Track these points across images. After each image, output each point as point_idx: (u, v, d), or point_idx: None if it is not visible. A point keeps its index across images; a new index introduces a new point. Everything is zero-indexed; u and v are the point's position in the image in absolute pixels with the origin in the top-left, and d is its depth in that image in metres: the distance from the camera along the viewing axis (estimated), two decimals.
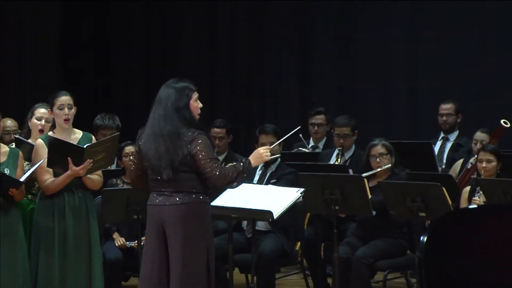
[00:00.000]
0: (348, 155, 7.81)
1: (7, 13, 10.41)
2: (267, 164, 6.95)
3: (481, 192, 6.38)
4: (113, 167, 7.26)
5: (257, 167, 6.97)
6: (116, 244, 6.88)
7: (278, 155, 6.85)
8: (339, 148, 7.77)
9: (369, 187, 6.40)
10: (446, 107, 8.40)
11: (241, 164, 5.17)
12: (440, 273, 3.29)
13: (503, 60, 9.55)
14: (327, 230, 6.93)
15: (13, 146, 6.22)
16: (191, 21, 11.31)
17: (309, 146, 8.49)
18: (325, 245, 7.53)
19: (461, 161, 7.68)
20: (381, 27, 10.28)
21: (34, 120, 6.28)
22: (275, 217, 5.78)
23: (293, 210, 6.20)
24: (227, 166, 5.20)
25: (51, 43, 10.94)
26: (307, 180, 6.44)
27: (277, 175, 6.92)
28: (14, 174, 5.79)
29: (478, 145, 7.34)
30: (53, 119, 5.99)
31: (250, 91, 11.12)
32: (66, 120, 5.90)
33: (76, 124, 6.04)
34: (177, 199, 5.08)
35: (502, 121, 7.63)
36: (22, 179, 5.73)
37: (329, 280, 7.24)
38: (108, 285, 6.15)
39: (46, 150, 5.81)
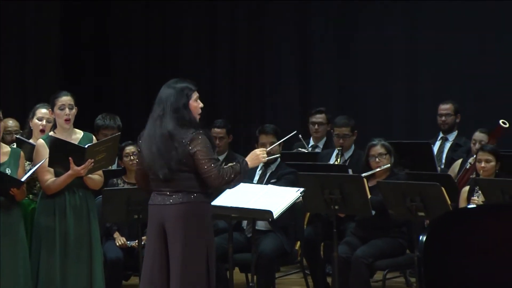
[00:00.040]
0: (347, 155, 7.82)
1: (8, 14, 10.41)
2: (267, 164, 6.96)
3: (480, 192, 6.39)
4: (114, 167, 7.28)
5: (257, 167, 6.98)
6: (117, 244, 6.89)
7: (278, 155, 6.87)
8: (338, 148, 7.78)
9: (369, 187, 6.41)
10: (445, 107, 8.41)
11: (238, 165, 5.20)
12: (439, 272, 3.28)
13: (502, 61, 9.54)
14: (327, 230, 6.94)
15: (15, 146, 6.22)
16: (191, 21, 11.31)
17: (309, 145, 8.49)
18: (325, 245, 7.53)
19: (460, 161, 7.69)
20: (381, 27, 10.28)
21: (35, 120, 6.29)
22: (275, 217, 5.77)
23: (293, 209, 6.20)
24: (225, 166, 5.21)
25: (51, 43, 10.93)
26: (307, 180, 6.45)
27: (277, 175, 6.92)
28: (15, 174, 5.80)
29: (477, 145, 7.35)
30: (54, 119, 5.99)
31: (250, 91, 11.12)
32: (67, 120, 5.92)
33: (77, 124, 6.05)
34: (178, 198, 5.09)
35: (500, 121, 7.63)
36: (23, 179, 5.74)
37: (329, 280, 7.24)
38: (108, 285, 6.16)
39: (47, 150, 5.82)
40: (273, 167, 6.99)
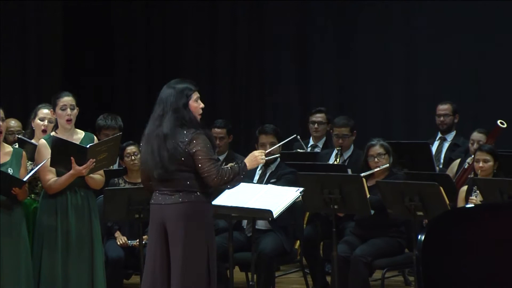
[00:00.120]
0: (347, 155, 7.83)
1: (9, 14, 10.42)
2: (266, 164, 6.96)
3: (478, 191, 6.40)
4: (115, 166, 7.29)
5: (257, 167, 7.01)
6: (118, 243, 6.91)
7: (277, 155, 6.90)
8: (338, 148, 7.79)
9: (368, 187, 6.42)
10: (444, 108, 8.42)
11: (237, 166, 5.22)
12: (437, 271, 3.28)
13: (500, 61, 9.53)
14: (326, 229, 6.95)
15: (16, 146, 6.23)
16: (191, 21, 11.30)
17: (309, 145, 8.50)
18: (324, 244, 7.54)
19: (458, 161, 7.69)
20: (380, 28, 10.27)
21: (37, 121, 6.30)
22: (274, 216, 5.77)
23: (292, 209, 6.20)
24: (224, 167, 5.24)
25: (54, 44, 10.92)
26: (307, 179, 6.47)
27: (277, 175, 6.93)
28: (17, 174, 5.81)
29: (475, 145, 7.36)
30: (56, 119, 6.01)
31: (250, 91, 11.12)
32: (69, 120, 5.93)
33: (79, 125, 6.07)
34: (178, 198, 5.12)
35: (498, 121, 7.63)
36: (25, 179, 5.76)
37: (328, 278, 7.26)
38: (110, 283, 6.17)
39: (49, 150, 5.83)
40: (273, 167, 7.00)
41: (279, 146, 6.88)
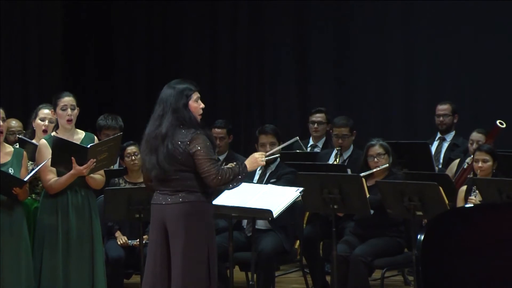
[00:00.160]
0: (346, 155, 7.84)
1: (10, 15, 10.43)
2: (267, 164, 6.95)
3: (477, 191, 6.42)
4: (116, 166, 7.30)
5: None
6: (118, 243, 6.93)
7: (277, 155, 6.91)
8: (337, 148, 7.80)
9: (367, 187, 6.43)
10: (443, 108, 8.43)
11: (238, 166, 5.23)
12: (437, 270, 3.30)
13: (499, 61, 9.53)
14: (326, 229, 6.96)
15: (17, 146, 6.25)
16: (191, 22, 11.30)
17: (309, 145, 8.51)
18: (324, 244, 7.54)
19: (457, 161, 7.70)
20: (380, 29, 10.25)
21: (38, 121, 6.32)
22: (274, 216, 5.78)
23: (292, 209, 6.19)
24: (224, 167, 5.26)
25: (54, 44, 10.93)
26: (306, 179, 6.48)
27: (277, 175, 6.93)
28: (18, 174, 5.83)
29: (474, 145, 7.37)
30: (57, 119, 6.02)
31: (250, 92, 11.12)
32: (69, 120, 5.95)
33: (79, 125, 6.09)
34: (178, 198, 5.13)
35: (497, 121, 7.65)
36: (25, 179, 5.77)
37: (328, 278, 7.26)
38: (110, 283, 6.18)
39: (50, 150, 5.84)
40: (272, 167, 7.00)
41: (279, 145, 6.91)
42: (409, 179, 6.63)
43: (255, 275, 6.29)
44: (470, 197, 6.51)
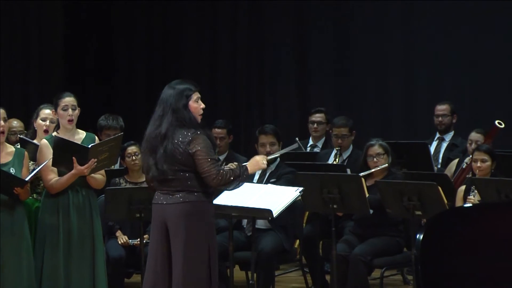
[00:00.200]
0: (346, 155, 7.86)
1: (11, 15, 10.44)
2: (266, 164, 7.02)
3: (476, 191, 6.43)
4: (117, 166, 7.30)
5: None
6: (119, 242, 6.94)
7: (277, 155, 6.93)
8: (337, 148, 7.82)
9: (367, 186, 6.44)
10: (442, 108, 8.45)
11: (239, 168, 5.24)
12: (435, 270, 3.30)
13: (498, 62, 9.53)
14: (325, 228, 6.98)
15: (18, 146, 6.26)
16: (191, 22, 11.30)
17: (308, 145, 8.52)
18: (323, 243, 7.55)
19: (456, 160, 7.72)
20: (379, 29, 10.25)
21: (39, 121, 6.34)
22: (274, 216, 5.79)
23: (292, 208, 6.20)
24: (225, 167, 5.27)
25: (55, 44, 10.93)
26: (306, 179, 6.50)
27: (277, 175, 6.94)
28: (19, 174, 5.84)
29: (473, 145, 7.39)
30: (58, 119, 6.04)
31: (250, 92, 11.13)
32: (70, 121, 5.96)
33: (80, 125, 6.11)
34: (179, 198, 5.15)
35: (496, 121, 7.66)
36: (27, 179, 5.78)
37: (327, 277, 7.28)
38: (111, 282, 6.19)
39: (51, 150, 5.86)
40: (272, 166, 7.01)
41: (279, 145, 6.94)
42: (408, 179, 6.64)
43: (255, 275, 6.30)
44: (468, 197, 6.52)
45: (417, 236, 3.34)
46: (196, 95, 5.24)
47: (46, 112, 6.33)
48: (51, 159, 5.83)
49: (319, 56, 10.65)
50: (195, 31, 11.29)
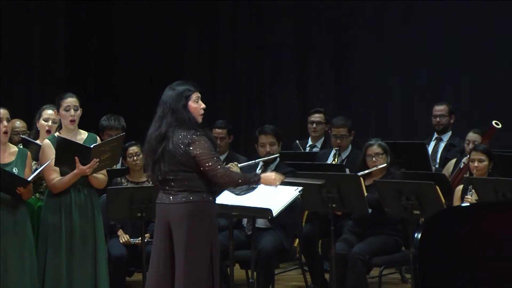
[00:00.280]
0: (345, 155, 7.86)
1: (13, 15, 10.45)
2: (266, 164, 7.00)
3: (473, 190, 6.44)
4: (118, 166, 7.30)
5: (256, 166, 7.08)
6: (121, 241, 6.96)
7: (277, 155, 6.96)
8: (336, 148, 7.82)
9: (365, 186, 6.45)
10: (440, 109, 8.46)
11: (251, 174, 5.28)
12: (433, 268, 3.31)
13: (496, 62, 9.53)
14: (325, 227, 7.00)
15: (21, 146, 6.29)
16: (192, 23, 11.30)
17: (307, 145, 8.53)
18: (323, 242, 7.57)
19: (454, 160, 7.73)
20: (378, 29, 10.25)
21: (42, 121, 6.36)
22: (274, 215, 5.81)
23: (291, 208, 6.20)
24: (235, 170, 5.29)
25: (56, 45, 10.95)
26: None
27: None
28: (22, 174, 5.86)
29: (471, 145, 7.39)
30: (60, 120, 6.07)
31: (250, 92, 11.13)
32: (72, 121, 5.99)
33: (82, 125, 6.13)
34: (181, 198, 5.17)
35: (493, 122, 7.67)
36: (29, 178, 5.81)
37: (326, 276, 7.30)
38: (112, 281, 6.21)
39: (53, 150, 5.88)
40: (272, 166, 7.02)
41: (279, 144, 6.98)
42: (407, 179, 6.65)
43: (255, 273, 6.31)
44: (466, 196, 6.53)
45: (415, 235, 3.35)
46: (195, 95, 5.26)
47: (48, 112, 6.35)
48: (54, 159, 5.86)
49: (319, 56, 10.65)
50: (195, 31, 11.29)
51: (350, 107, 10.07)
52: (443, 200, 6.18)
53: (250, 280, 6.29)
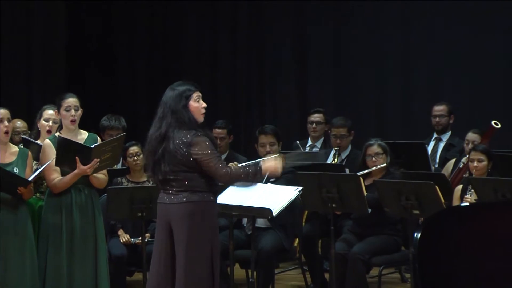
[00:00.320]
0: (344, 155, 7.88)
1: (14, 16, 10.47)
2: None
3: (472, 190, 6.45)
4: (119, 166, 7.32)
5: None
6: (121, 241, 6.98)
7: (277, 155, 6.96)
8: (336, 148, 7.85)
9: (365, 186, 6.46)
10: (439, 109, 8.48)
11: (254, 170, 5.29)
12: (433, 268, 3.31)
13: (495, 62, 9.54)
14: (324, 227, 7.01)
15: (22, 146, 6.31)
16: (191, 22, 11.34)
17: (307, 145, 8.56)
18: (322, 242, 7.58)
19: (453, 160, 7.75)
20: (378, 29, 10.25)
21: (42, 121, 6.38)
22: (274, 215, 5.79)
23: (291, 208, 6.21)
24: (234, 167, 5.31)
25: (58, 45, 10.95)
26: (305, 179, 6.52)
27: None
28: (23, 174, 5.88)
29: (470, 145, 7.42)
30: (60, 120, 6.08)
31: (250, 92, 11.14)
32: (73, 121, 6.01)
33: (83, 125, 6.15)
34: (183, 198, 5.19)
35: (493, 122, 7.68)
36: (30, 178, 5.82)
37: (326, 275, 7.32)
38: (113, 280, 6.23)
39: (54, 150, 5.90)
40: None
41: (279, 144, 6.99)
42: (406, 179, 6.65)
43: (255, 273, 6.31)
44: (465, 196, 6.55)
45: (415, 235, 3.36)
46: (196, 95, 5.27)
47: (49, 112, 6.37)
48: (54, 159, 5.87)
49: (319, 56, 10.66)
50: (195, 31, 11.30)
51: (350, 107, 10.09)
52: (443, 200, 6.19)
53: (250, 280, 6.29)
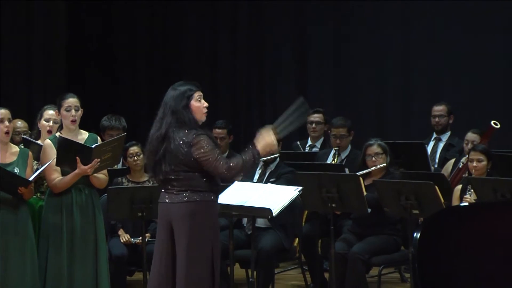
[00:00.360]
0: (344, 155, 7.88)
1: (14, 16, 10.47)
2: (266, 164, 7.03)
3: (472, 190, 6.46)
4: (119, 166, 7.33)
5: (256, 166, 7.10)
6: (122, 241, 6.99)
7: (277, 155, 6.98)
8: (335, 148, 7.85)
9: (365, 186, 6.46)
10: (439, 109, 8.48)
11: (251, 156, 5.27)
12: (432, 267, 3.32)
13: (495, 62, 9.55)
14: (324, 227, 7.02)
15: (22, 146, 6.32)
16: (191, 21, 11.36)
17: (307, 145, 8.56)
18: (322, 241, 7.58)
19: (453, 160, 7.76)
20: (378, 29, 10.27)
21: (43, 122, 6.38)
22: (274, 215, 5.82)
23: (291, 207, 6.23)
24: (233, 159, 5.33)
25: (58, 45, 10.97)
26: (305, 179, 6.52)
27: (276, 174, 6.98)
28: (23, 173, 5.88)
29: (469, 145, 7.42)
30: (61, 120, 6.09)
31: (250, 92, 11.15)
32: (73, 121, 6.01)
33: (83, 125, 6.15)
34: (184, 197, 5.19)
35: (492, 122, 7.69)
36: (31, 178, 5.83)
37: (326, 275, 7.33)
38: (113, 280, 6.23)
39: (54, 150, 5.91)
40: (272, 166, 7.07)
41: (279, 144, 6.95)
42: (406, 179, 6.65)
43: (255, 272, 6.32)
44: (465, 196, 6.55)
45: (414, 234, 3.37)
46: (197, 94, 5.27)
47: (49, 113, 6.37)
48: (55, 159, 5.88)
49: (319, 56, 10.67)
50: (195, 31, 11.31)
51: (350, 107, 10.09)
52: (442, 200, 6.19)
53: (250, 280, 6.30)
